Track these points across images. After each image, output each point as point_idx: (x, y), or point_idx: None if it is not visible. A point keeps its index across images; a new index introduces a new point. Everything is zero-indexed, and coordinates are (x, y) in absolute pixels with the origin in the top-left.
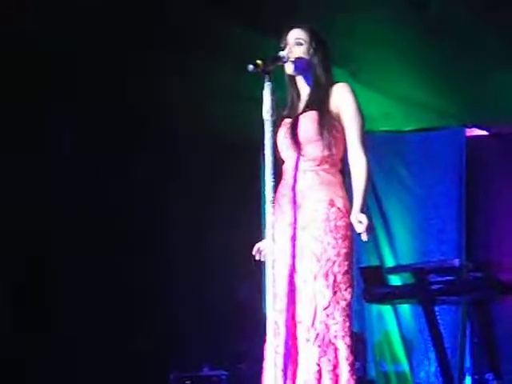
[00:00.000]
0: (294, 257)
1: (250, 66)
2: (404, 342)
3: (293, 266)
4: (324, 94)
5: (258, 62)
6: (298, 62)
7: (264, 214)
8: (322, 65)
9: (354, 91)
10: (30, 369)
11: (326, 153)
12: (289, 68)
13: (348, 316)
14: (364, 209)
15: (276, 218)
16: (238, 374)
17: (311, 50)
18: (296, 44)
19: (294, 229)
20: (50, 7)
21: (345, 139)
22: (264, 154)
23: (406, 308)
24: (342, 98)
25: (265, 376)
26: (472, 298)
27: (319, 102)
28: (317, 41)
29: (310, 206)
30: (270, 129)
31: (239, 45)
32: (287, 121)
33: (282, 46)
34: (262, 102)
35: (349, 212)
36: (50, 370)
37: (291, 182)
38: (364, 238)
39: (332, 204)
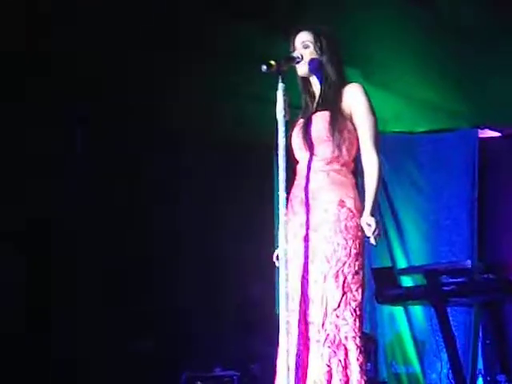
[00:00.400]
0: (306, 257)
1: (264, 67)
2: (416, 344)
3: (305, 266)
4: (335, 93)
5: (272, 62)
6: (309, 63)
7: (277, 214)
8: (332, 64)
9: (366, 91)
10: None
11: (337, 153)
12: (301, 70)
13: (359, 317)
14: (375, 210)
15: (289, 219)
16: (250, 375)
17: (319, 51)
18: (303, 47)
19: (306, 229)
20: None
21: (357, 140)
22: (277, 155)
23: (417, 309)
24: (353, 98)
25: (277, 377)
26: (484, 300)
27: (330, 101)
28: (324, 41)
29: (321, 207)
30: (283, 129)
31: (251, 45)
32: (301, 121)
33: (291, 50)
34: (275, 102)
35: (360, 212)
36: (58, 367)
37: (304, 182)
38: (372, 241)
39: (342, 205)
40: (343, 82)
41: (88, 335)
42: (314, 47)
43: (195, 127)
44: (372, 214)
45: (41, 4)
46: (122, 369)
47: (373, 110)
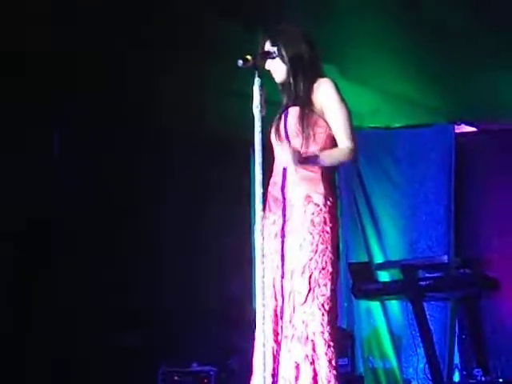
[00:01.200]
0: (279, 254)
1: (240, 61)
2: (392, 338)
3: (279, 262)
4: (306, 89)
5: (248, 57)
6: (286, 73)
7: (254, 210)
8: (298, 64)
9: (336, 86)
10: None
11: (304, 149)
12: (278, 78)
13: (327, 311)
14: (309, 162)
15: (265, 215)
16: (227, 370)
17: (283, 58)
18: (270, 59)
19: (280, 225)
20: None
21: (328, 136)
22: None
23: (394, 304)
24: (323, 93)
25: (253, 372)
26: (460, 295)
27: (301, 97)
28: (285, 44)
29: (290, 202)
30: (259, 124)
31: (230, 42)
32: (277, 117)
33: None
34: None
35: (329, 207)
36: (40, 364)
37: (279, 178)
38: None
39: (309, 200)
40: (314, 77)
41: (71, 332)
42: (280, 57)
43: (178, 125)
44: (303, 160)
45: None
46: (99, 363)
47: (345, 104)
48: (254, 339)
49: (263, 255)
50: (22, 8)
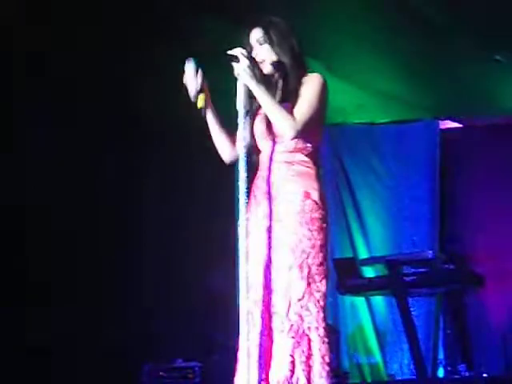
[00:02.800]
0: (269, 248)
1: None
2: (377, 334)
3: (268, 257)
4: (295, 84)
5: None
6: (272, 64)
7: (238, 205)
8: (288, 56)
9: (325, 81)
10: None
11: (300, 144)
12: (266, 70)
13: (322, 307)
14: (256, 78)
15: (251, 210)
16: (212, 366)
17: (274, 47)
18: (259, 44)
19: (270, 220)
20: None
21: (317, 130)
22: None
23: (379, 300)
24: (306, 85)
25: (238, 367)
26: (445, 290)
27: (291, 93)
28: (277, 35)
29: (285, 198)
30: (243, 120)
31: (212, 37)
32: (262, 110)
33: (247, 47)
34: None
35: (325, 204)
36: (23, 360)
37: (266, 173)
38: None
39: (307, 196)
40: (302, 72)
41: (54, 328)
42: (269, 44)
43: (160, 119)
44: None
45: None
46: (83, 360)
47: (320, 100)
48: (238, 334)
49: (248, 250)
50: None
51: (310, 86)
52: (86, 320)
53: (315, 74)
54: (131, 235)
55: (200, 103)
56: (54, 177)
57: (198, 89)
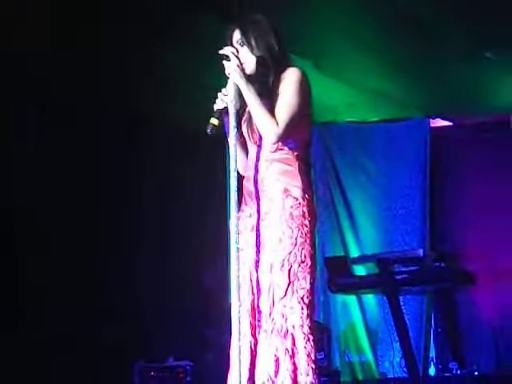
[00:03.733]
0: (256, 247)
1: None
2: (369, 332)
3: (255, 256)
4: (274, 81)
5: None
6: (256, 62)
7: (229, 203)
8: (268, 56)
9: (303, 75)
10: None
11: (281, 142)
12: (248, 69)
13: (307, 305)
14: (244, 79)
15: (241, 208)
16: (204, 364)
17: (252, 48)
18: (240, 45)
19: (256, 219)
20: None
21: (301, 127)
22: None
23: (370, 298)
24: (284, 80)
25: (230, 366)
26: (436, 288)
27: (270, 90)
28: (255, 35)
29: (267, 197)
30: (234, 118)
31: (204, 33)
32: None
33: (229, 47)
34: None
35: (309, 201)
36: (16, 358)
37: (253, 172)
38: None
39: (287, 193)
40: (281, 70)
41: (46, 326)
42: (248, 45)
43: (154, 117)
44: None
45: None
46: (74, 359)
47: (301, 95)
48: (230, 333)
49: (238, 249)
50: None
51: (288, 83)
52: (78, 319)
53: (292, 69)
54: (126, 234)
55: (215, 122)
56: (54, 177)
57: (224, 111)
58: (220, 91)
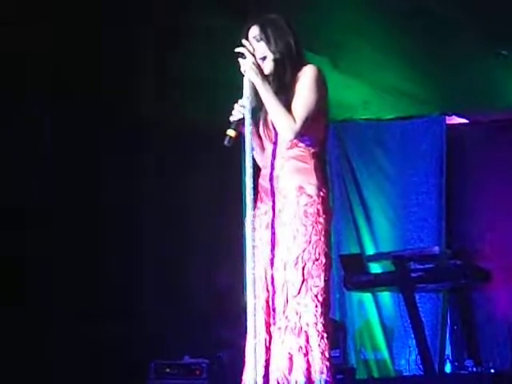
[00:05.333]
0: (271, 245)
1: (226, 142)
2: (384, 330)
3: (270, 253)
4: (291, 79)
5: (231, 134)
6: (273, 60)
7: (244, 202)
8: (285, 52)
9: (319, 72)
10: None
11: (297, 139)
12: (267, 68)
13: (321, 303)
14: (261, 76)
15: (257, 205)
16: (219, 362)
17: (270, 44)
18: (256, 41)
19: (272, 217)
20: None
21: (318, 124)
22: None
23: (386, 296)
24: (300, 77)
25: (246, 364)
26: (452, 286)
27: (287, 87)
28: (273, 31)
29: (282, 193)
30: (249, 116)
31: (218, 32)
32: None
33: (246, 44)
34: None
35: (324, 198)
36: (25, 356)
37: (269, 170)
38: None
39: (301, 191)
40: (299, 67)
41: (60, 324)
42: (266, 41)
43: (161, 113)
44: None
45: None
46: (90, 357)
47: (317, 91)
48: (245, 331)
49: (254, 246)
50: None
51: (305, 80)
52: (93, 317)
53: (308, 66)
54: (141, 234)
55: (233, 133)
56: (54, 177)
57: (240, 122)
58: (236, 102)
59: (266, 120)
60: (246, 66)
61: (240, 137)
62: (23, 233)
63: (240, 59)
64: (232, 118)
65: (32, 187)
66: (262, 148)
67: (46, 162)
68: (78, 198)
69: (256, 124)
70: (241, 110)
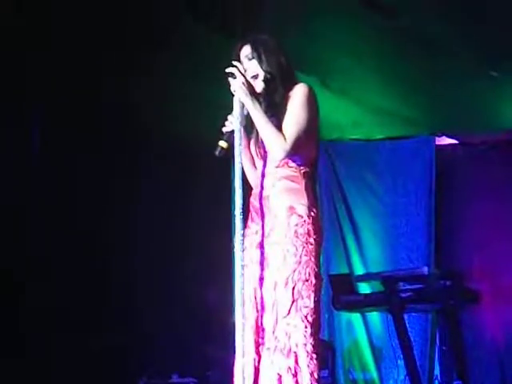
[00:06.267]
0: (261, 264)
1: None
2: (373, 350)
3: (259, 273)
4: (281, 98)
5: (223, 145)
6: (263, 80)
7: (234, 221)
8: (276, 71)
9: (310, 91)
10: None
11: (287, 159)
12: (258, 87)
13: (310, 323)
14: (250, 97)
15: (248, 225)
16: (208, 382)
17: (262, 64)
18: (247, 59)
19: (261, 236)
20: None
21: (309, 143)
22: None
23: (375, 316)
24: (292, 96)
25: (234, 383)
26: (441, 306)
27: (278, 107)
28: (265, 50)
29: (272, 214)
30: (239, 135)
31: (208, 51)
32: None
33: (236, 63)
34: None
35: (315, 219)
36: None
37: (259, 189)
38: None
39: (292, 211)
40: (290, 86)
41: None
42: (257, 60)
43: (155, 129)
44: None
45: None
46: (77, 375)
47: (308, 109)
48: (234, 350)
49: (243, 266)
50: None
51: (296, 99)
52: (81, 333)
53: (300, 85)
54: (129, 250)
55: (224, 144)
56: (53, 177)
57: (232, 134)
58: (228, 114)
59: (257, 139)
60: (236, 85)
61: (231, 149)
62: (16, 235)
63: (230, 79)
64: (224, 130)
65: (22, 188)
66: (254, 167)
67: (35, 162)
68: (76, 199)
69: (248, 143)
70: (233, 121)
